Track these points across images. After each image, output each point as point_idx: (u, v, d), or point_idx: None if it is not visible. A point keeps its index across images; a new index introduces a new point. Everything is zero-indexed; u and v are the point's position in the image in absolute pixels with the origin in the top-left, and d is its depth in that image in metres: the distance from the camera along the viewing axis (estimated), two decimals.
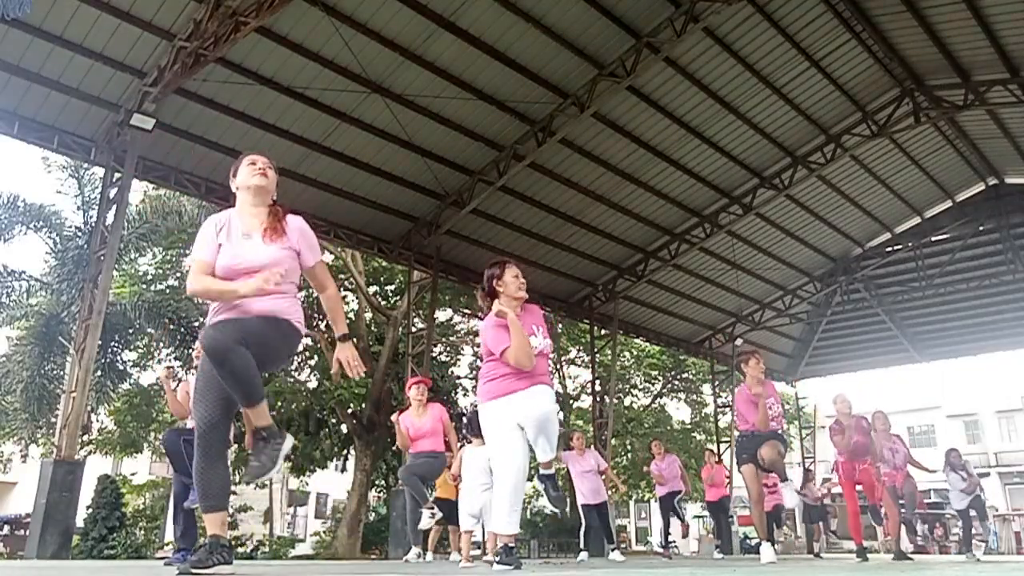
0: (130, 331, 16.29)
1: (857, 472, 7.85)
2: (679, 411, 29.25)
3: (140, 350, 18.17)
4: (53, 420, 14.36)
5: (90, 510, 13.32)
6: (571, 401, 25.54)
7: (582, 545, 9.97)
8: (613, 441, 21.08)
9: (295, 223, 3.31)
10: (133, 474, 25.90)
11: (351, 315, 19.96)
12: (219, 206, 13.28)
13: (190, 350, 15.61)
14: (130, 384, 17.99)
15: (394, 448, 17.66)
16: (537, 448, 4.25)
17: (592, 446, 11.82)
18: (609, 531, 10.65)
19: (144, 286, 17.06)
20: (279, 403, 17.19)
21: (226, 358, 2.96)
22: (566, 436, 10.14)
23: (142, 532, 20.17)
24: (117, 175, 10.29)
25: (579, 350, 23.75)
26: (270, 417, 3.23)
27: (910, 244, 19.65)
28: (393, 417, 7.37)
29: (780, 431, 6.59)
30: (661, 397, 27.81)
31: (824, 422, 19.30)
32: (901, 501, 8.64)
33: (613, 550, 10.26)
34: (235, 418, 3.34)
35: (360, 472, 18.10)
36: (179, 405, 5.75)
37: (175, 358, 16.71)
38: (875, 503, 8.13)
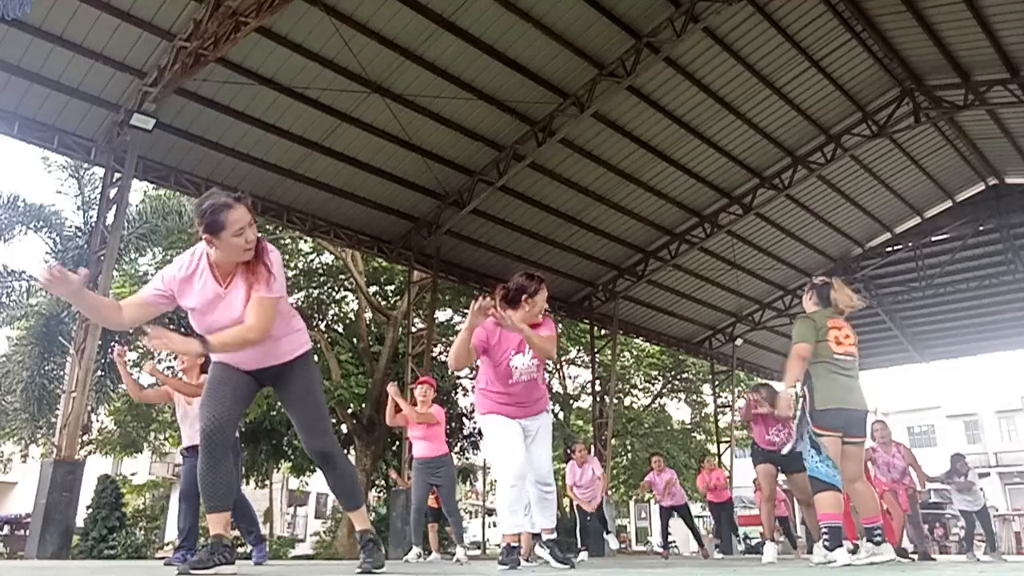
0: (130, 331, 16.25)
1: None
2: (679, 411, 29.28)
3: (140, 350, 18.16)
4: (53, 420, 14.35)
5: (90, 510, 13.31)
6: (571, 401, 25.54)
7: (579, 544, 10.05)
8: (613, 441, 21.07)
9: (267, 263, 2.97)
10: (133, 474, 25.97)
11: (351, 315, 19.96)
12: None
13: None
14: None
15: (394, 448, 17.65)
16: (535, 513, 4.27)
17: (592, 449, 11.87)
18: (605, 523, 10.94)
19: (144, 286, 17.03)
20: (279, 403, 17.15)
21: (336, 463, 3.14)
22: (568, 440, 10.21)
23: (142, 532, 20.20)
24: (117, 175, 10.28)
25: (579, 350, 23.74)
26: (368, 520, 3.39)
27: (910, 244, 19.64)
28: (390, 388, 7.37)
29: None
30: (661, 397, 27.84)
31: None
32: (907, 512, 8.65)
33: (607, 533, 10.63)
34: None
35: (360, 472, 18.10)
36: (135, 387, 5.60)
37: (174, 358, 16.65)
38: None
